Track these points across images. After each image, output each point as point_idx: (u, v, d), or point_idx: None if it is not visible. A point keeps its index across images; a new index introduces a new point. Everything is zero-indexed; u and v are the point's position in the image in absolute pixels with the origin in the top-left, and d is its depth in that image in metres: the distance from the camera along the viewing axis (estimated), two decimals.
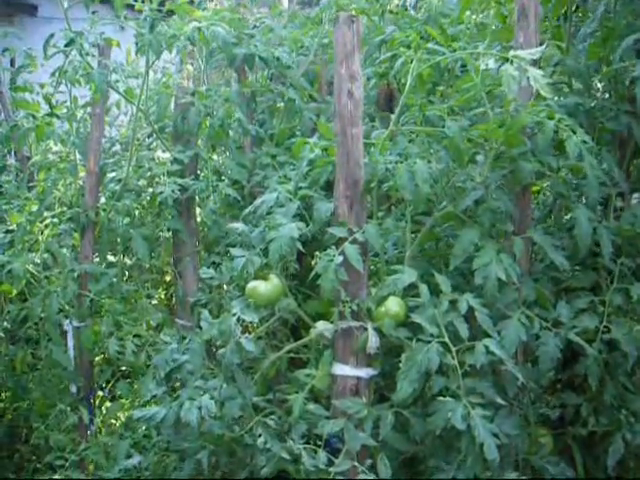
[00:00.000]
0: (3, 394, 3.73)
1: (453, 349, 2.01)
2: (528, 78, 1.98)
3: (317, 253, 2.15)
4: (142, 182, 3.34)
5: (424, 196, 2.15)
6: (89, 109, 3.39)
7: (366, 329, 2.15)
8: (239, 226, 2.31)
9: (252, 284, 2.28)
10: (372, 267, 2.36)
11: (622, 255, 2.28)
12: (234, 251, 2.26)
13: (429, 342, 2.01)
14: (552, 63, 2.51)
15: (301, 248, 2.20)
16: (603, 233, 2.18)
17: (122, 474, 2.67)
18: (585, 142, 2.06)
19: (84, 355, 3.32)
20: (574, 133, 2.06)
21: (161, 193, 3.05)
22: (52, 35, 3.10)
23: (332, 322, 2.20)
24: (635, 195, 2.51)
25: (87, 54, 3.05)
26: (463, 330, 2.02)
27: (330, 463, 2.08)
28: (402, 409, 2.09)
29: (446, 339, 2.02)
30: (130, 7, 3.05)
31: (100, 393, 3.58)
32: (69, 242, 3.41)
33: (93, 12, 3.13)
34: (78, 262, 3.30)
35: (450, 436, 2.00)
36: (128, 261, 3.58)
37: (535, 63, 2.10)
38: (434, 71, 2.35)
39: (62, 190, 3.42)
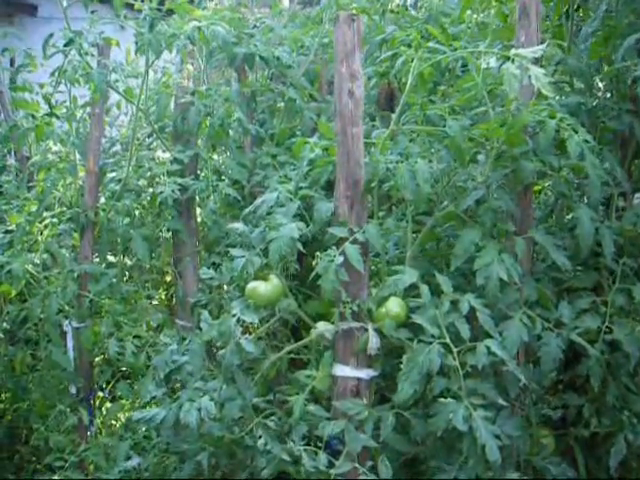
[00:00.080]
0: (3, 395, 3.72)
1: (454, 350, 2.00)
2: (530, 77, 1.98)
3: (318, 253, 2.14)
4: (142, 182, 3.34)
5: (425, 196, 2.15)
6: (89, 109, 3.38)
7: (367, 330, 2.14)
8: (239, 226, 2.30)
9: (252, 285, 2.27)
10: (373, 267, 2.35)
11: (624, 255, 2.27)
12: (234, 251, 2.25)
13: (430, 343, 2.00)
14: (553, 62, 2.51)
15: (301, 248, 2.19)
16: (605, 233, 2.17)
17: (122, 475, 2.67)
18: (587, 141, 2.05)
19: (84, 356, 3.31)
20: (576, 132, 2.05)
21: (161, 193, 3.05)
22: (51, 35, 3.10)
23: (333, 323, 2.19)
24: (637, 195, 2.50)
25: (86, 54, 3.05)
26: (464, 331, 2.01)
27: (331, 465, 2.08)
28: (403, 410, 2.08)
29: (447, 340, 2.01)
30: (130, 6, 3.04)
31: (100, 394, 3.56)
32: (69, 242, 3.41)
33: (92, 11, 3.12)
34: (78, 262, 3.29)
35: (451, 437, 1.99)
36: (128, 261, 3.57)
37: (536, 62, 2.09)
38: (435, 70, 2.34)
39: (62, 190, 3.41)
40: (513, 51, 2.04)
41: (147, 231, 3.27)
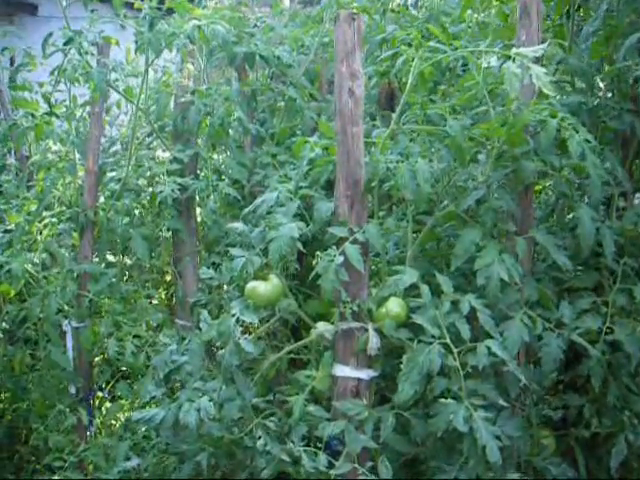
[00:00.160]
0: (2, 395, 3.71)
1: (455, 350, 1.99)
2: (530, 76, 1.97)
3: (318, 253, 2.13)
4: (142, 181, 3.34)
5: (425, 196, 2.14)
6: (88, 108, 3.38)
7: (367, 330, 2.14)
8: (239, 226, 2.30)
9: (252, 284, 2.27)
10: (373, 267, 2.34)
11: (625, 255, 2.27)
12: (234, 251, 2.24)
13: (430, 343, 2.00)
14: (554, 62, 2.50)
15: (301, 248, 2.19)
16: (606, 233, 2.17)
17: (121, 475, 2.66)
18: (588, 141, 2.05)
19: (83, 356, 3.31)
20: (577, 132, 2.05)
21: (161, 192, 3.04)
22: (51, 34, 3.09)
23: (333, 323, 2.19)
24: (638, 195, 2.50)
25: (86, 53, 3.04)
26: (465, 331, 2.01)
27: (330, 465, 2.07)
28: (403, 411, 2.08)
29: (448, 340, 2.00)
30: (129, 5, 3.04)
31: (99, 394, 3.56)
32: (68, 242, 3.40)
33: (92, 10, 3.12)
34: (77, 262, 3.29)
35: (452, 438, 1.99)
36: (128, 261, 3.57)
37: (537, 61, 2.09)
38: (436, 70, 2.33)
39: (61, 189, 3.40)
40: (514, 50, 2.03)
41: (147, 231, 3.27)
